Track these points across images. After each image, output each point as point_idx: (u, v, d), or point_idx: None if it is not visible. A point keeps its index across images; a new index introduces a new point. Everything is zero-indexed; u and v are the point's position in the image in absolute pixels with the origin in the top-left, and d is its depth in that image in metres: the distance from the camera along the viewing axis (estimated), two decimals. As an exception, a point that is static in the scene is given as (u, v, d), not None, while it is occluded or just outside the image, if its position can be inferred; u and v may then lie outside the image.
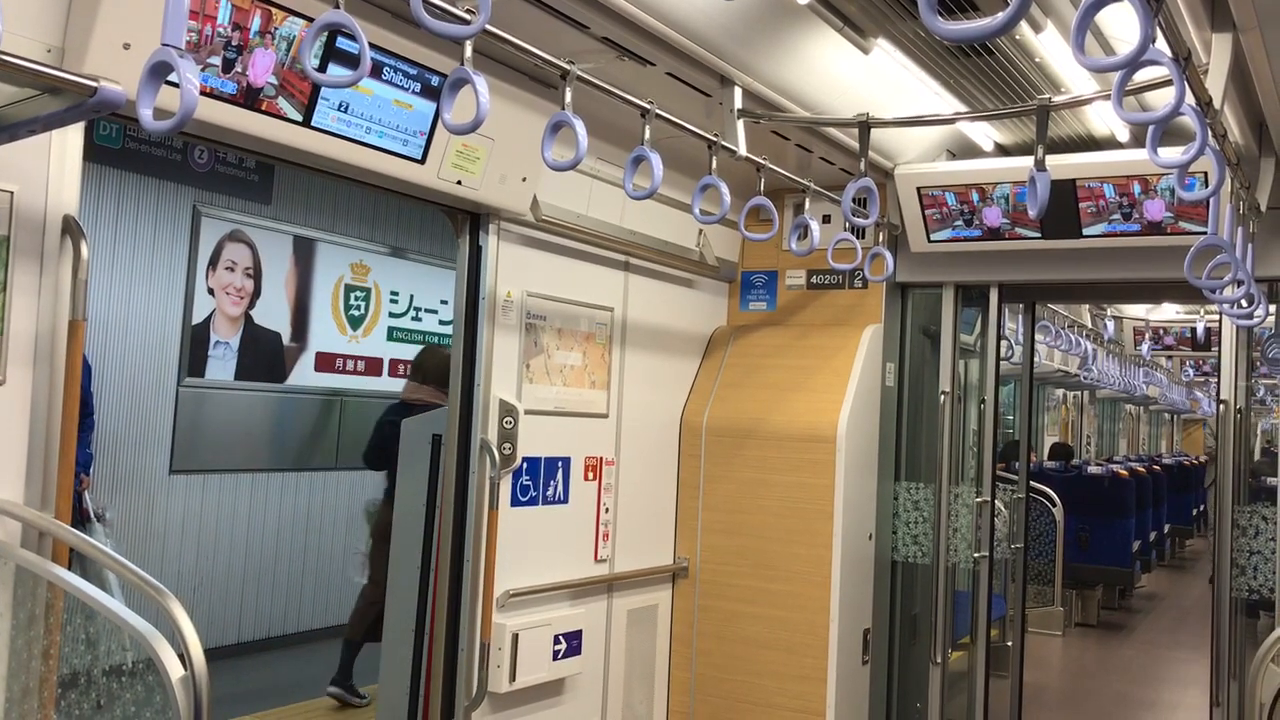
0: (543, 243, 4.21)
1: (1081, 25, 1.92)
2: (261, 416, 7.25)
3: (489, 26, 2.38)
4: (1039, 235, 4.65)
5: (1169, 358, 14.12)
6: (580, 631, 4.35)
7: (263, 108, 2.94)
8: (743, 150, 3.66)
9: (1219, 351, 4.76)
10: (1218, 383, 4.79)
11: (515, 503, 4.10)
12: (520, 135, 3.68)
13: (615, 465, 4.63)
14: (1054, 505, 8.76)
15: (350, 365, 7.83)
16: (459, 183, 3.63)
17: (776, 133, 4.24)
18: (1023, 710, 5.42)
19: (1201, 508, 15.10)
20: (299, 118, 3.04)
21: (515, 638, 4.01)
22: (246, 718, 5.78)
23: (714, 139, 3.48)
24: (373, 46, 2.46)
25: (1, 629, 2.42)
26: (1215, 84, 2.99)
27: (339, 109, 3.13)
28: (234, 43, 2.80)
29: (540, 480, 4.23)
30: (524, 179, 3.84)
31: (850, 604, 4.78)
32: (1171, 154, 2.68)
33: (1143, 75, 2.58)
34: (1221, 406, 4.66)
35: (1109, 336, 10.59)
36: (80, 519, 5.45)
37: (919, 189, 4.74)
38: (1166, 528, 11.47)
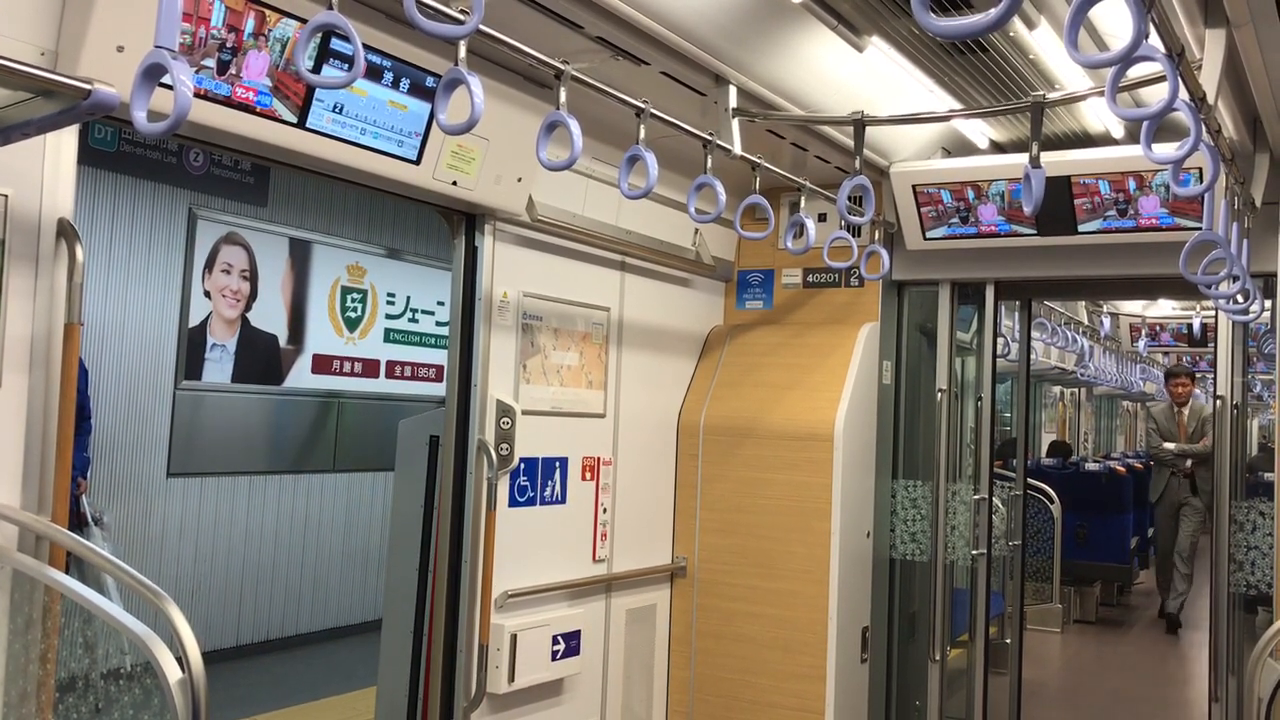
0: (538, 243, 4.21)
1: (1075, 21, 1.93)
2: (259, 419, 7.24)
3: (483, 26, 2.38)
4: (1035, 232, 4.65)
5: (1165, 354, 14.12)
6: (579, 632, 4.35)
7: (257, 110, 2.94)
8: (738, 149, 3.66)
9: (1215, 347, 4.76)
10: (1214, 378, 4.79)
11: (513, 503, 4.10)
12: (515, 135, 3.68)
13: (613, 465, 4.63)
14: (1052, 502, 8.76)
15: (347, 367, 7.83)
16: (454, 183, 3.63)
17: (772, 131, 4.24)
18: (1022, 707, 5.42)
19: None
20: (294, 119, 3.04)
21: (514, 638, 4.01)
22: (245, 720, 5.78)
23: (709, 138, 3.48)
24: (367, 48, 2.46)
25: (-1, 633, 2.41)
26: (1209, 79, 2.99)
27: (334, 110, 3.13)
28: (228, 44, 2.80)
29: (538, 480, 4.23)
30: (519, 179, 3.84)
31: (849, 602, 4.78)
32: (1166, 150, 2.68)
33: (1136, 71, 2.58)
34: (1218, 402, 4.66)
35: (1105, 333, 10.59)
36: (78, 523, 5.45)
37: (914, 187, 4.74)
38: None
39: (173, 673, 2.02)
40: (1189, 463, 8.81)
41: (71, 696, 2.57)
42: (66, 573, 2.44)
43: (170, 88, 1.80)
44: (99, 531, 5.62)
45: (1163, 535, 9.11)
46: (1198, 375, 10.12)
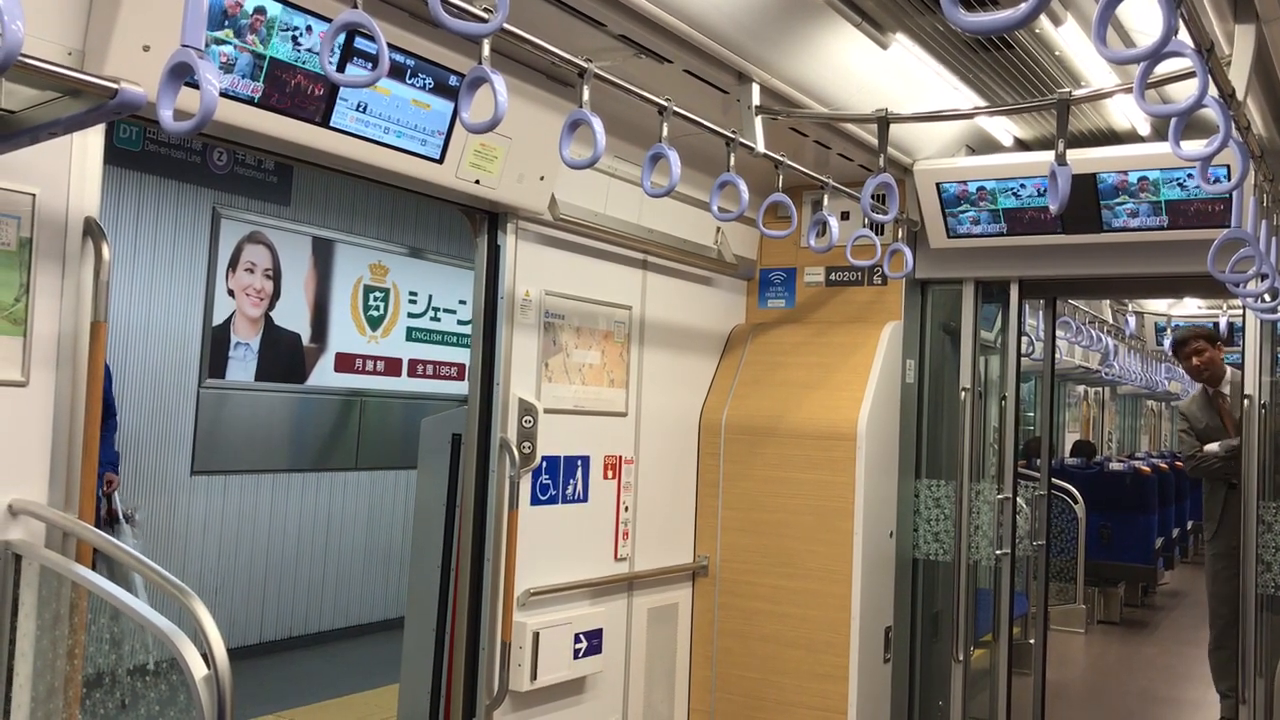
0: (561, 241, 4.21)
1: (1103, 17, 1.91)
2: (282, 417, 7.28)
3: (507, 25, 2.38)
4: (1060, 230, 4.62)
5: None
6: (601, 630, 4.35)
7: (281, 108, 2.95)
8: (761, 147, 3.65)
9: (1243, 346, 4.71)
10: (1242, 378, 4.74)
11: (535, 501, 4.10)
12: (538, 134, 3.68)
13: (634, 464, 4.63)
14: (1075, 502, 8.70)
15: (370, 366, 7.86)
16: (477, 182, 3.63)
17: (795, 129, 4.22)
18: (1045, 708, 5.38)
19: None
20: (318, 118, 3.05)
21: (536, 636, 4.01)
22: (268, 717, 5.81)
23: (732, 136, 3.47)
24: (390, 46, 2.46)
25: (27, 629, 2.43)
26: (1238, 75, 2.97)
27: (357, 109, 3.14)
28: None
29: (560, 479, 4.23)
30: (542, 178, 3.84)
31: (871, 602, 4.76)
32: (1194, 147, 2.66)
33: (1164, 68, 2.56)
34: (1246, 402, 4.61)
35: (1130, 332, 10.51)
36: (109, 519, 5.49)
37: (938, 184, 4.72)
38: (1189, 524, 11.37)
39: (198, 669, 2.03)
40: None
41: (98, 692, 2.59)
42: (93, 569, 2.46)
43: (196, 86, 1.81)
44: (129, 529, 5.66)
45: (1219, 589, 5.84)
46: (1220, 340, 6.29)
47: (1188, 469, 6.29)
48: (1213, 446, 5.95)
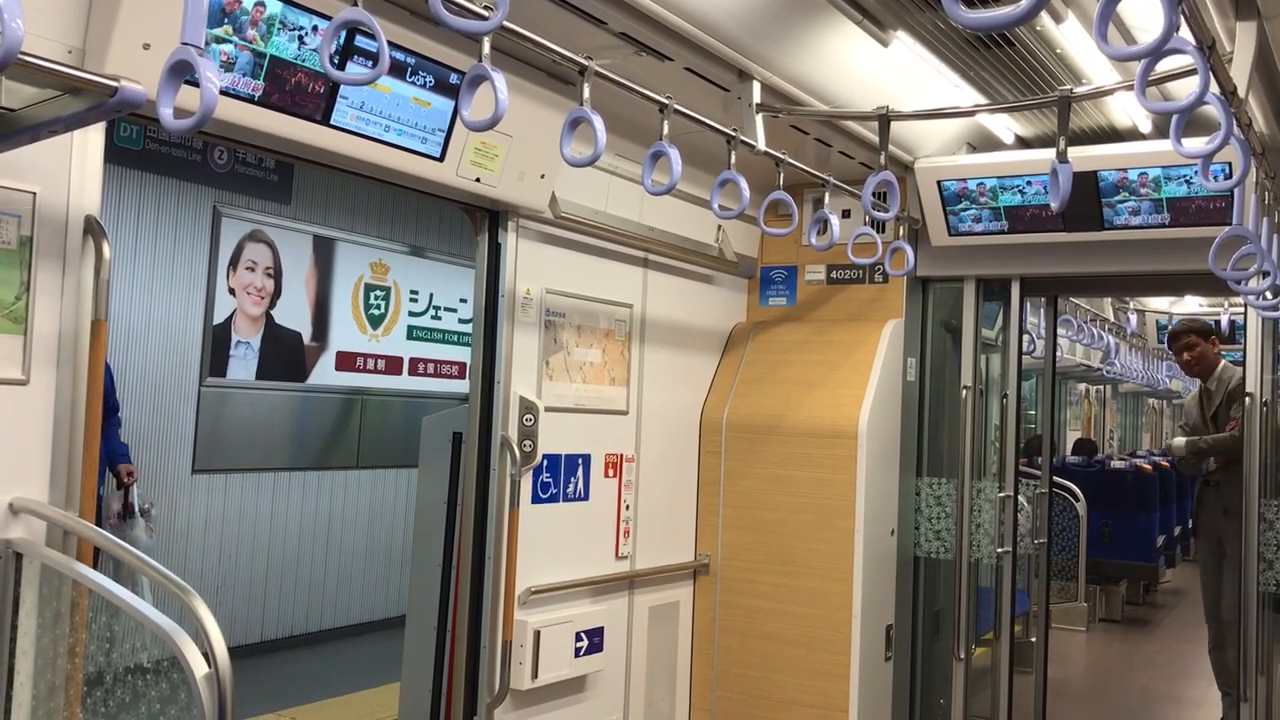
0: (561, 240, 4.21)
1: (1104, 14, 1.91)
2: (283, 416, 7.28)
3: (507, 23, 2.37)
4: (1061, 228, 4.61)
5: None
6: (602, 629, 4.35)
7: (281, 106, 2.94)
8: (761, 145, 3.65)
9: (1244, 344, 4.71)
10: (1243, 376, 4.74)
11: (536, 500, 4.10)
12: (538, 132, 3.67)
13: (635, 462, 4.63)
14: (1077, 500, 8.70)
15: (371, 364, 7.86)
16: (478, 180, 3.63)
17: (795, 127, 4.22)
18: (1047, 706, 5.38)
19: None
20: (318, 116, 3.05)
21: (537, 635, 4.01)
22: (269, 716, 5.81)
23: (733, 134, 3.47)
24: (391, 44, 2.46)
25: (28, 627, 2.43)
26: (1240, 72, 2.96)
27: (358, 107, 3.14)
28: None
29: (561, 477, 4.23)
30: (542, 176, 3.84)
31: (873, 600, 4.76)
32: (1196, 144, 2.65)
33: (1165, 65, 2.56)
34: (1248, 400, 4.61)
35: (1131, 330, 10.51)
36: (124, 513, 5.48)
37: (939, 182, 4.72)
38: (1190, 522, 11.35)
39: (199, 667, 2.03)
40: (1212, 462, 5.73)
41: (99, 690, 2.59)
42: (95, 567, 2.46)
43: (196, 84, 1.80)
44: (143, 523, 5.64)
45: (1207, 587, 5.90)
46: (1216, 335, 6.16)
47: (1173, 460, 6.52)
48: (1179, 440, 5.88)
